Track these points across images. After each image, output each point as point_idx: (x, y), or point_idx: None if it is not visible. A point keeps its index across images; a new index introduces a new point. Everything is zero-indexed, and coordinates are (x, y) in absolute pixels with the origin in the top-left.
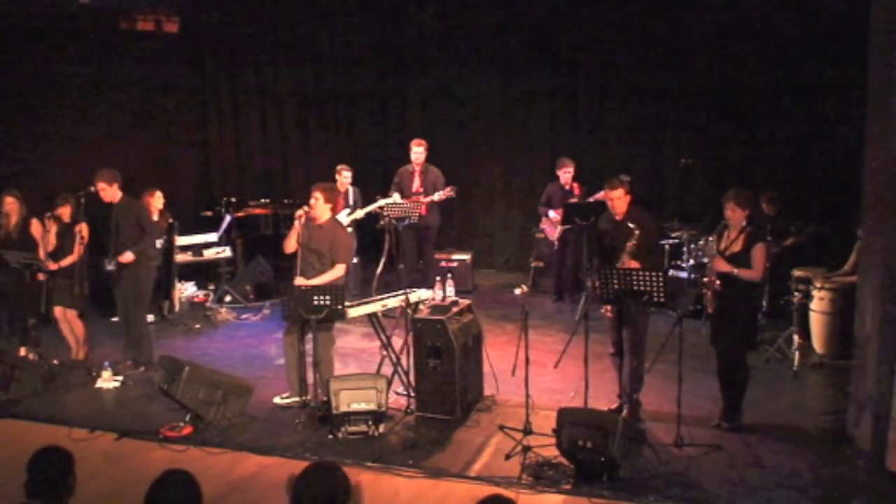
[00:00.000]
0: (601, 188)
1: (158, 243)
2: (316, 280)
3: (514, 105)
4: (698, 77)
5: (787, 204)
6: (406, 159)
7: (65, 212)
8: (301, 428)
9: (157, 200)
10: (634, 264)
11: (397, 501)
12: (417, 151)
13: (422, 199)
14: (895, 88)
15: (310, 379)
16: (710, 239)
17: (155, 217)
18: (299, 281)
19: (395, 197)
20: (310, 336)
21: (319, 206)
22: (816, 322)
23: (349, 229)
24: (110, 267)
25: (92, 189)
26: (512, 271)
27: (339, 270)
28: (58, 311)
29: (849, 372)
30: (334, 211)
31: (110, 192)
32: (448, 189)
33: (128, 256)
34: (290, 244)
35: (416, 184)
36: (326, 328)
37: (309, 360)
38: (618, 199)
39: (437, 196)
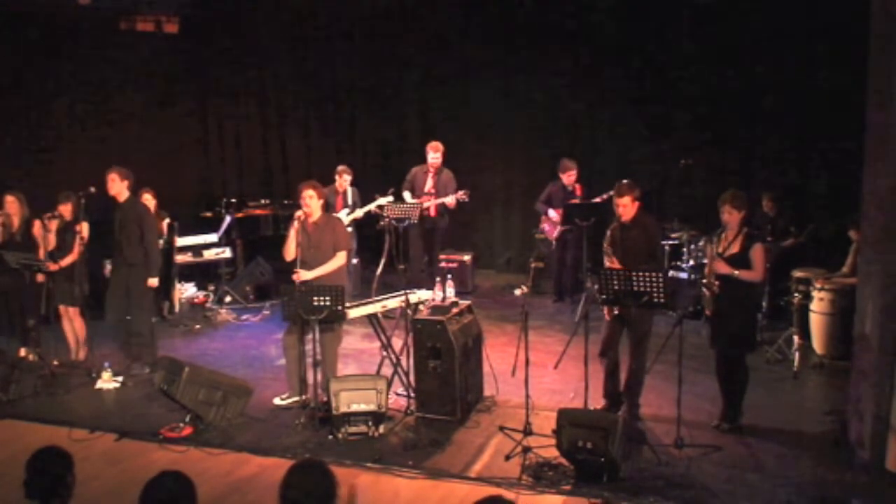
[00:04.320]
0: (603, 190)
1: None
2: (319, 270)
3: (514, 106)
4: (698, 77)
5: (787, 204)
6: (405, 160)
7: (65, 210)
8: (301, 429)
9: (146, 201)
10: (617, 265)
11: (398, 502)
12: (434, 157)
13: (434, 199)
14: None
15: (310, 379)
16: (712, 241)
17: None
18: (302, 274)
19: (406, 195)
20: (310, 336)
21: (315, 204)
22: (816, 323)
23: (349, 229)
24: (108, 270)
25: (92, 189)
26: (512, 272)
27: (340, 259)
28: (63, 310)
29: (848, 373)
30: (325, 205)
31: (118, 186)
32: (462, 193)
33: (154, 282)
34: (290, 251)
35: (429, 184)
36: (332, 327)
37: (309, 360)
38: (624, 207)
39: (450, 199)
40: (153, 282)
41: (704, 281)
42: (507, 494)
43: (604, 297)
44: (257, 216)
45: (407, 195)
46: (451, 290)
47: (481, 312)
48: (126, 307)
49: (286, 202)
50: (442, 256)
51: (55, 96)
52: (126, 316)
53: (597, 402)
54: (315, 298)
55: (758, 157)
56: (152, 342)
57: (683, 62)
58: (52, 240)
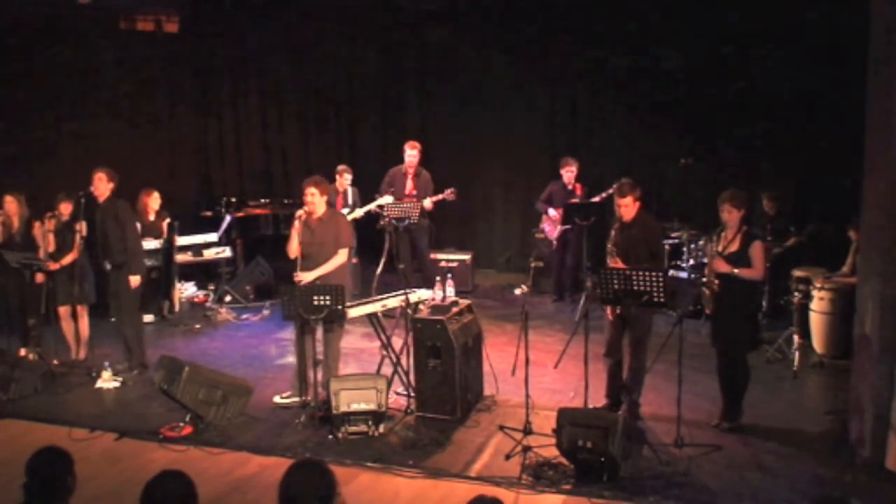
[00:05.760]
0: (602, 189)
1: (157, 244)
2: (319, 270)
3: (514, 105)
4: (698, 77)
5: (787, 203)
6: (405, 159)
7: (65, 210)
8: (301, 428)
9: (153, 201)
10: (621, 265)
11: (398, 502)
12: (411, 154)
13: (419, 201)
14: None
15: (311, 378)
16: (712, 240)
17: (151, 217)
18: (302, 276)
19: (387, 198)
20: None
21: (318, 200)
22: (816, 322)
23: None
24: (108, 267)
25: (92, 189)
26: (512, 271)
27: (341, 256)
28: (62, 310)
29: (848, 372)
30: (328, 202)
31: (104, 186)
32: (449, 191)
33: (135, 280)
34: (294, 248)
35: (410, 186)
36: (334, 327)
37: (309, 359)
38: (626, 207)
39: (428, 202)
40: (135, 280)
41: (704, 280)
42: (507, 494)
43: (603, 296)
44: (257, 216)
45: (388, 198)
46: (451, 290)
47: (481, 312)
48: (116, 308)
49: (286, 202)
50: (442, 256)
51: (55, 96)
52: (117, 317)
53: (597, 401)
54: (315, 298)
55: (757, 156)
56: (140, 345)
57: (683, 62)
58: (52, 240)
